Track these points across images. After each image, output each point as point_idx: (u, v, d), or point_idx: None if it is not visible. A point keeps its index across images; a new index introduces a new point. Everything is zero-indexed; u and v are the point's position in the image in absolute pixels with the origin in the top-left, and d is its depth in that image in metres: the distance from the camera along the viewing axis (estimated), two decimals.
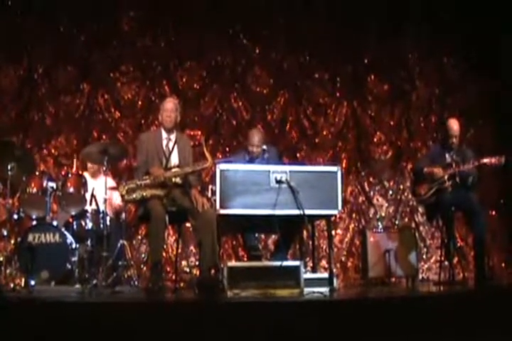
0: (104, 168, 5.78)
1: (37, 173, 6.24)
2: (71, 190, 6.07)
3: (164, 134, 5.76)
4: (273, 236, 7.68)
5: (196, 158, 5.88)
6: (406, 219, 8.70)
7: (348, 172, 8.64)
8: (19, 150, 6.01)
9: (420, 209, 8.41)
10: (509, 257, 8.63)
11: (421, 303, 4.46)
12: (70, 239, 5.98)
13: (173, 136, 5.76)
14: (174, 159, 5.67)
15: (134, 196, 5.39)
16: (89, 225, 6.21)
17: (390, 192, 8.76)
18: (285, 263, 5.09)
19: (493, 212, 8.70)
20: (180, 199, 5.49)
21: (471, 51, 9.09)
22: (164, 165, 5.59)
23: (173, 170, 5.54)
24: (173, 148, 5.69)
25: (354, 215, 8.62)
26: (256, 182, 5.31)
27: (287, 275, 4.93)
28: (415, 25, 9.12)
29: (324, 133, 8.80)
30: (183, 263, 7.30)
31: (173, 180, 5.47)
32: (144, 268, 7.24)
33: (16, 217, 6.10)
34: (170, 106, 5.77)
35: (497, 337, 4.03)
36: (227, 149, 8.29)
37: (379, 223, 8.28)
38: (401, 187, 8.77)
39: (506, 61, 8.79)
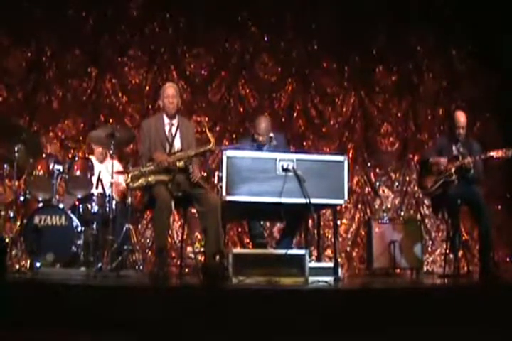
0: (111, 152, 5.78)
1: (43, 156, 6.23)
2: (77, 173, 6.07)
3: (166, 120, 5.71)
4: (278, 224, 7.70)
5: (201, 143, 5.82)
6: (411, 211, 8.70)
7: (355, 162, 8.64)
8: (26, 133, 6.01)
9: (426, 202, 8.43)
10: None
11: (425, 295, 4.45)
12: (75, 222, 5.98)
13: (175, 121, 5.72)
14: (177, 144, 5.64)
15: (139, 182, 5.38)
16: (95, 209, 6.21)
17: (396, 183, 8.77)
18: (290, 251, 5.09)
19: (499, 206, 8.70)
20: (185, 184, 5.47)
21: (478, 45, 9.06)
22: (168, 150, 5.57)
23: (177, 154, 5.51)
24: (175, 133, 5.65)
25: (360, 206, 8.63)
26: (262, 170, 5.28)
27: (292, 263, 4.92)
28: (424, 17, 9.07)
29: (331, 122, 8.79)
30: (188, 249, 7.31)
31: (177, 164, 5.44)
32: (149, 253, 7.25)
33: (22, 198, 6.10)
34: (171, 91, 5.71)
35: (500, 330, 4.01)
36: (234, 136, 8.29)
37: (384, 214, 8.27)
38: (407, 178, 8.78)
39: (510, 55, 8.77)
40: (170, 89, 5.72)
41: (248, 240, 7.48)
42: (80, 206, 6.27)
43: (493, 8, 8.57)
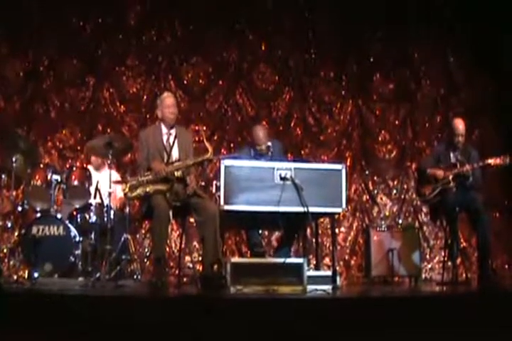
0: (109, 162, 5.77)
1: (41, 166, 6.20)
2: (75, 183, 6.05)
3: (164, 129, 5.69)
4: (276, 232, 7.70)
5: (199, 152, 5.82)
6: (410, 219, 8.69)
7: (353, 170, 8.63)
8: (24, 142, 6.01)
9: (424, 209, 8.42)
10: None
11: (423, 303, 4.43)
12: (73, 231, 5.96)
13: (173, 131, 5.70)
14: (175, 154, 5.63)
15: (137, 192, 5.37)
16: (93, 218, 6.19)
17: (394, 191, 8.76)
18: (288, 260, 5.08)
19: (497, 214, 8.68)
20: (183, 193, 5.47)
21: (476, 51, 9.07)
22: (166, 160, 5.56)
23: (175, 164, 5.51)
24: (173, 143, 5.64)
25: (358, 214, 8.63)
26: (260, 179, 5.30)
27: (290, 272, 4.90)
28: (421, 24, 9.10)
29: (329, 131, 8.79)
30: (187, 258, 7.30)
31: (175, 173, 5.44)
32: (147, 263, 7.23)
33: (20, 209, 6.05)
34: (171, 101, 5.70)
35: (499, 338, 4.00)
36: (232, 145, 8.30)
37: (382, 222, 8.27)
38: (405, 186, 8.78)
39: (509, 61, 8.77)
40: (170, 99, 5.72)
41: (246, 249, 7.47)
42: (78, 216, 6.26)
43: (493, 9, 8.56)
